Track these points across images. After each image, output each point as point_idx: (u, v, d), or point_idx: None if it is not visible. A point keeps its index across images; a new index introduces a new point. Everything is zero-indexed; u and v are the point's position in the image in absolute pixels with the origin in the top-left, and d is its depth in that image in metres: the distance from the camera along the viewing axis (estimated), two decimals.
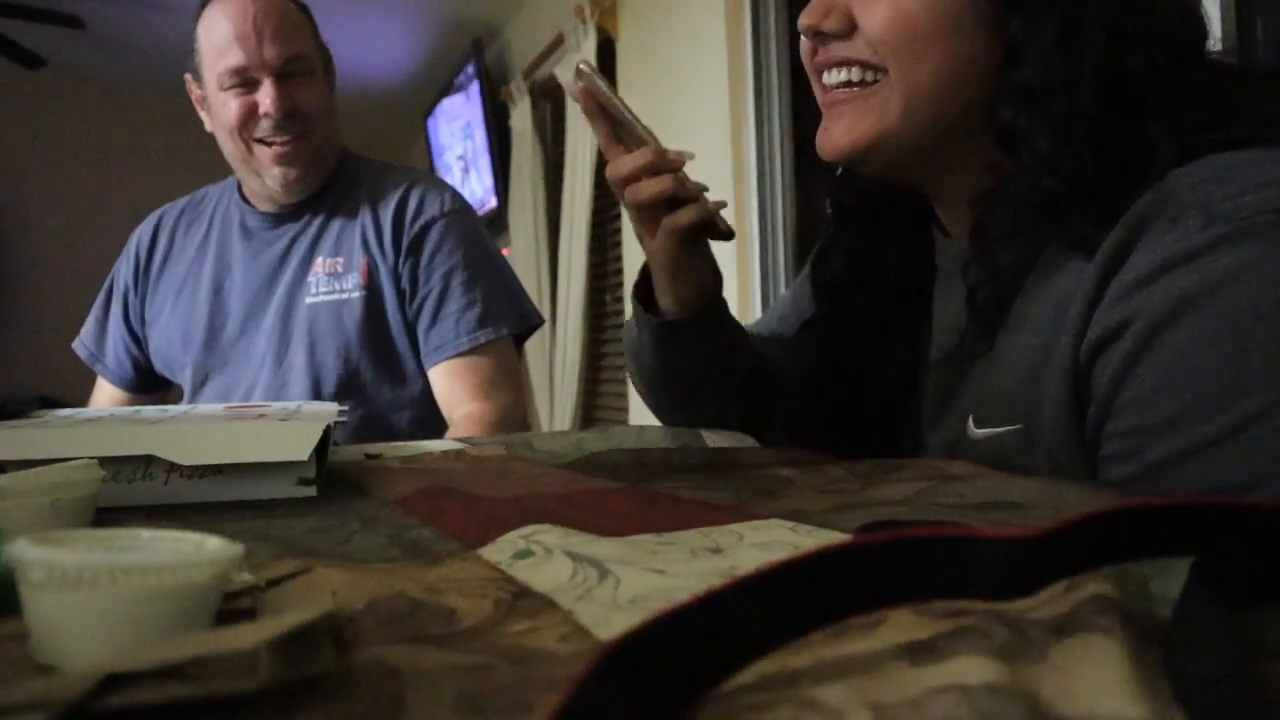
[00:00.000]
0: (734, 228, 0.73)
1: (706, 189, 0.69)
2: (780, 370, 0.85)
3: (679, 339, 0.76)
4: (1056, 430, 0.57)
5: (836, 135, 0.64)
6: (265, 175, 1.24)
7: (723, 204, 0.73)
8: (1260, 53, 1.27)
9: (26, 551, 0.25)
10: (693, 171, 0.73)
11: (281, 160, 1.23)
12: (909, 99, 0.60)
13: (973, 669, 0.22)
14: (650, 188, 0.68)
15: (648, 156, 0.67)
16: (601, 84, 0.68)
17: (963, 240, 0.67)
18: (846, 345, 0.77)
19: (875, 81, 0.62)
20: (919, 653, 0.24)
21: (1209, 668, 0.21)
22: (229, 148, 1.25)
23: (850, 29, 0.62)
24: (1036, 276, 0.60)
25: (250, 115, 1.21)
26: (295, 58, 1.22)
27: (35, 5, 3.46)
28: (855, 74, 0.62)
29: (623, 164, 0.68)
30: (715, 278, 0.76)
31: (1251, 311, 0.47)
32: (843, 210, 0.77)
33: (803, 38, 0.66)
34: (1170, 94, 0.56)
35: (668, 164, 0.67)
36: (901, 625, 0.25)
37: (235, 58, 1.19)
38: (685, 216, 0.68)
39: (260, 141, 1.22)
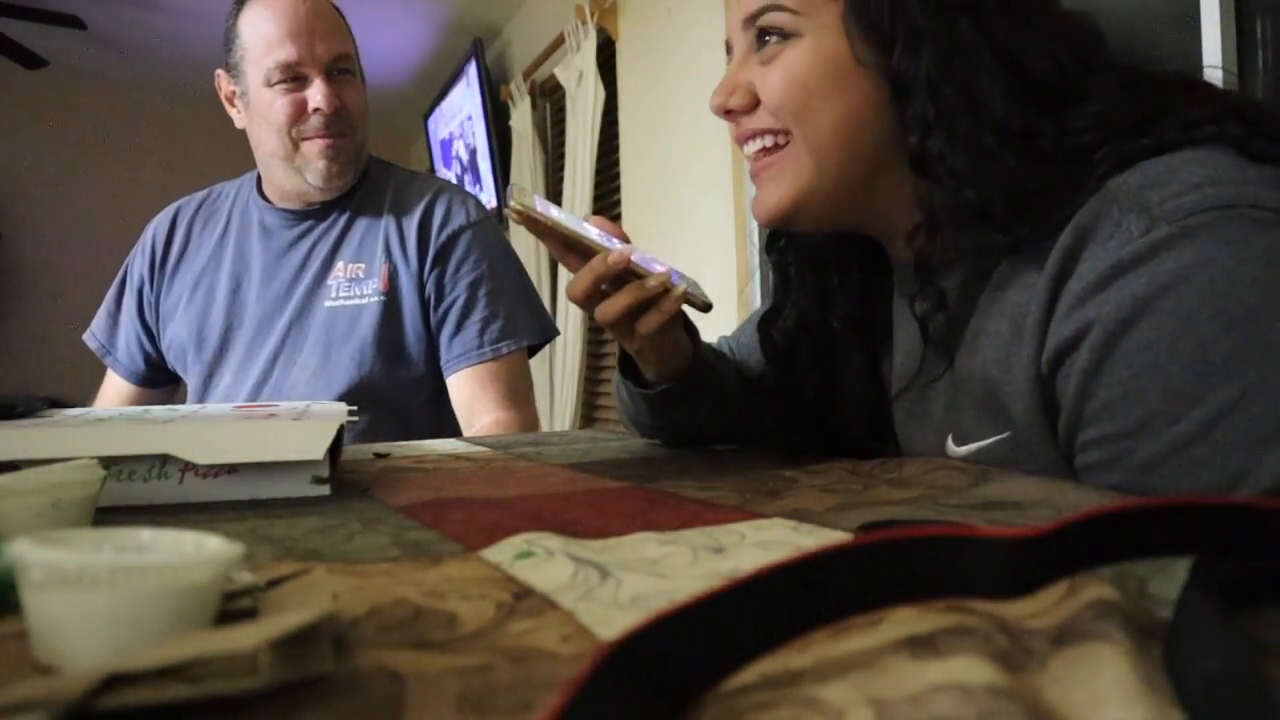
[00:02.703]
0: (710, 299, 0.71)
1: (669, 275, 0.68)
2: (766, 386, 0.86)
3: (672, 403, 0.77)
4: (1032, 441, 0.58)
5: (764, 199, 0.68)
6: (308, 171, 1.25)
7: (694, 283, 0.72)
8: (1260, 55, 1.27)
9: (27, 551, 0.25)
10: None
11: (326, 155, 1.23)
12: (817, 153, 0.64)
13: (974, 669, 0.22)
14: (614, 307, 0.67)
15: (596, 270, 0.67)
16: (535, 207, 0.66)
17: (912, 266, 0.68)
18: (799, 396, 0.79)
19: (786, 144, 0.66)
20: (919, 647, 0.24)
21: (1209, 667, 0.21)
22: (270, 144, 1.25)
23: (754, 103, 0.66)
24: (990, 293, 0.61)
25: (300, 112, 1.21)
26: (342, 56, 1.23)
27: (37, 6, 3.47)
28: (767, 141, 0.67)
29: (577, 285, 0.68)
30: (693, 338, 0.77)
31: (1205, 309, 0.49)
32: (787, 276, 0.79)
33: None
34: (1092, 98, 0.57)
35: (615, 267, 0.66)
36: (901, 620, 0.25)
37: (287, 53, 1.19)
38: (654, 321, 0.68)
39: (307, 138, 1.23)
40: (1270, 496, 0.46)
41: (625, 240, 0.71)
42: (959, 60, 0.59)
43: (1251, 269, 0.48)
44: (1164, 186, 0.52)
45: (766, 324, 0.81)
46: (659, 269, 0.69)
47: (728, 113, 0.68)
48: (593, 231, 0.69)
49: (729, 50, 0.70)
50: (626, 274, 0.67)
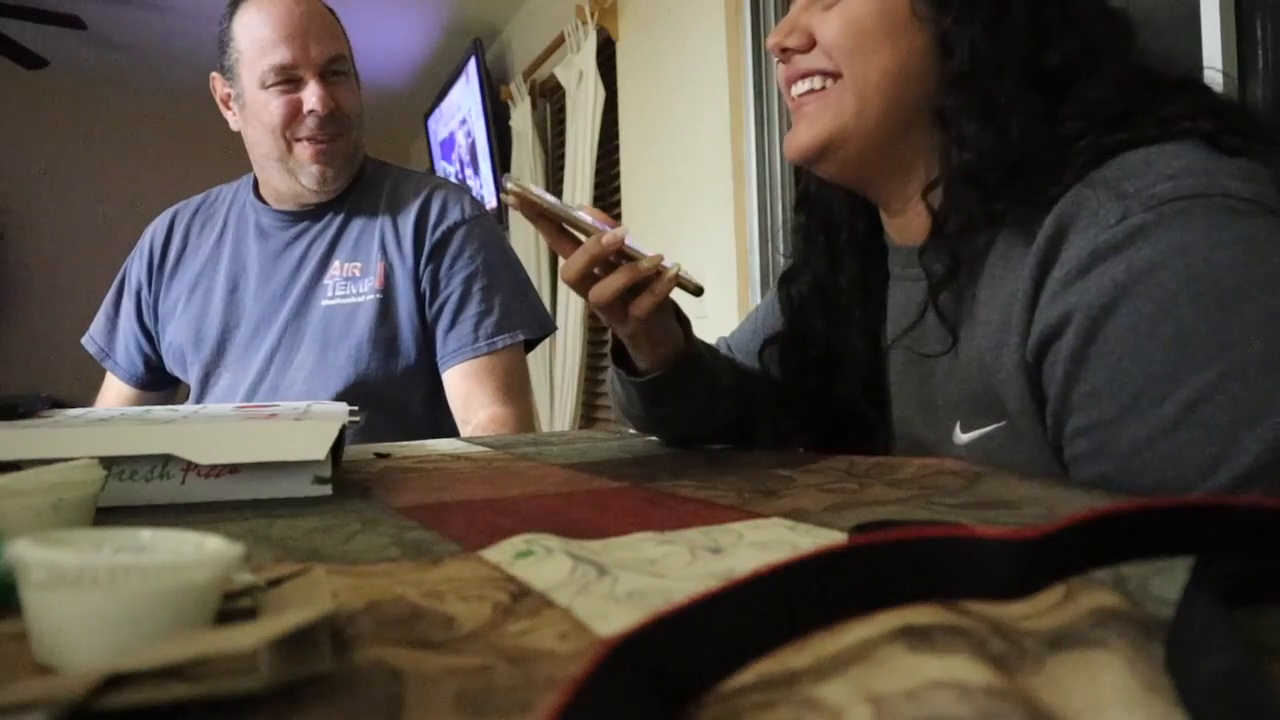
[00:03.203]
0: (701, 283, 0.72)
1: (661, 257, 0.69)
2: (759, 378, 0.89)
3: (663, 392, 0.78)
4: (1026, 429, 0.59)
5: (799, 134, 0.70)
6: (301, 173, 1.26)
7: (678, 266, 0.73)
8: (1260, 55, 1.27)
9: (27, 552, 0.25)
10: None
11: (321, 157, 1.24)
12: (861, 95, 0.66)
13: (972, 670, 0.22)
14: (608, 288, 0.68)
15: (591, 250, 0.68)
16: (531, 189, 0.68)
17: (912, 244, 0.71)
18: (807, 351, 0.82)
19: (834, 85, 0.68)
20: (915, 638, 0.24)
21: (1212, 667, 0.21)
22: (265, 146, 1.26)
23: (810, 44, 0.69)
24: (986, 279, 0.63)
25: (294, 113, 1.23)
26: (337, 58, 1.24)
27: (36, 6, 3.47)
28: (817, 82, 0.69)
29: (571, 266, 0.69)
30: (684, 326, 0.79)
31: (1183, 292, 0.50)
32: (807, 230, 0.82)
33: (777, 63, 0.73)
34: (1086, 92, 0.60)
35: (610, 247, 0.67)
36: (897, 611, 0.25)
37: (282, 56, 1.20)
38: (648, 302, 0.69)
39: (301, 140, 1.24)
40: (1269, 496, 0.46)
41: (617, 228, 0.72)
42: (1003, 30, 0.62)
43: (1226, 253, 0.50)
44: (1140, 177, 0.54)
45: (786, 281, 0.85)
46: (649, 254, 0.70)
47: (783, 51, 0.70)
48: (586, 217, 0.70)
49: None
50: (619, 258, 0.69)
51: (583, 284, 0.70)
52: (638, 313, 0.69)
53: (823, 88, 0.68)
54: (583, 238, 0.70)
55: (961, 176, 0.62)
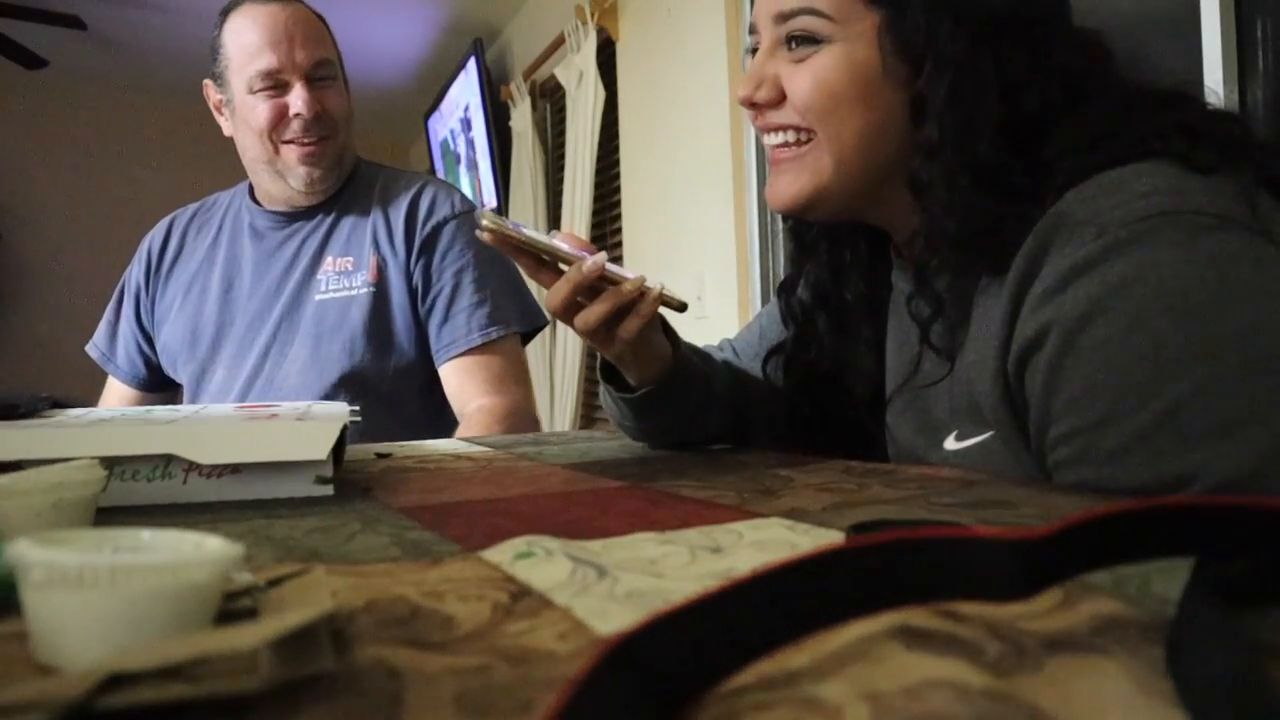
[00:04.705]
0: (684, 299, 0.72)
1: (643, 278, 0.69)
2: (759, 382, 0.89)
3: (655, 405, 0.78)
4: (1010, 439, 0.60)
5: (780, 189, 0.70)
6: (290, 175, 1.28)
7: (661, 285, 0.73)
8: (1260, 55, 1.27)
9: (27, 552, 0.25)
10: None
11: (307, 160, 1.27)
12: (838, 156, 0.66)
13: (970, 673, 0.22)
14: (594, 315, 0.68)
15: (573, 279, 0.68)
16: (507, 224, 0.68)
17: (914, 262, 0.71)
18: (813, 364, 0.82)
19: (809, 141, 0.67)
20: (911, 636, 0.24)
21: (1213, 668, 0.21)
22: (254, 149, 1.28)
23: (780, 98, 0.68)
24: (980, 298, 0.64)
25: (280, 117, 1.25)
26: (323, 63, 1.26)
27: (37, 6, 3.47)
28: (790, 136, 0.68)
29: (555, 296, 0.69)
30: (672, 340, 0.79)
31: (1155, 306, 0.51)
32: (803, 244, 0.82)
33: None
34: (1070, 128, 0.60)
35: (591, 274, 0.67)
36: (895, 612, 0.26)
37: (268, 61, 1.23)
38: (634, 325, 0.69)
39: (288, 142, 1.26)
40: (1258, 496, 0.46)
41: (595, 253, 0.72)
42: (970, 91, 0.61)
43: (1197, 269, 0.51)
44: (1113, 196, 0.55)
45: (785, 291, 0.84)
46: (630, 276, 0.70)
47: (752, 105, 0.69)
48: (564, 245, 0.70)
49: (753, 31, 0.71)
50: (601, 283, 0.69)
51: (568, 313, 0.70)
52: (626, 335, 0.70)
53: (797, 142, 0.68)
54: (564, 267, 0.70)
55: (940, 239, 0.63)
